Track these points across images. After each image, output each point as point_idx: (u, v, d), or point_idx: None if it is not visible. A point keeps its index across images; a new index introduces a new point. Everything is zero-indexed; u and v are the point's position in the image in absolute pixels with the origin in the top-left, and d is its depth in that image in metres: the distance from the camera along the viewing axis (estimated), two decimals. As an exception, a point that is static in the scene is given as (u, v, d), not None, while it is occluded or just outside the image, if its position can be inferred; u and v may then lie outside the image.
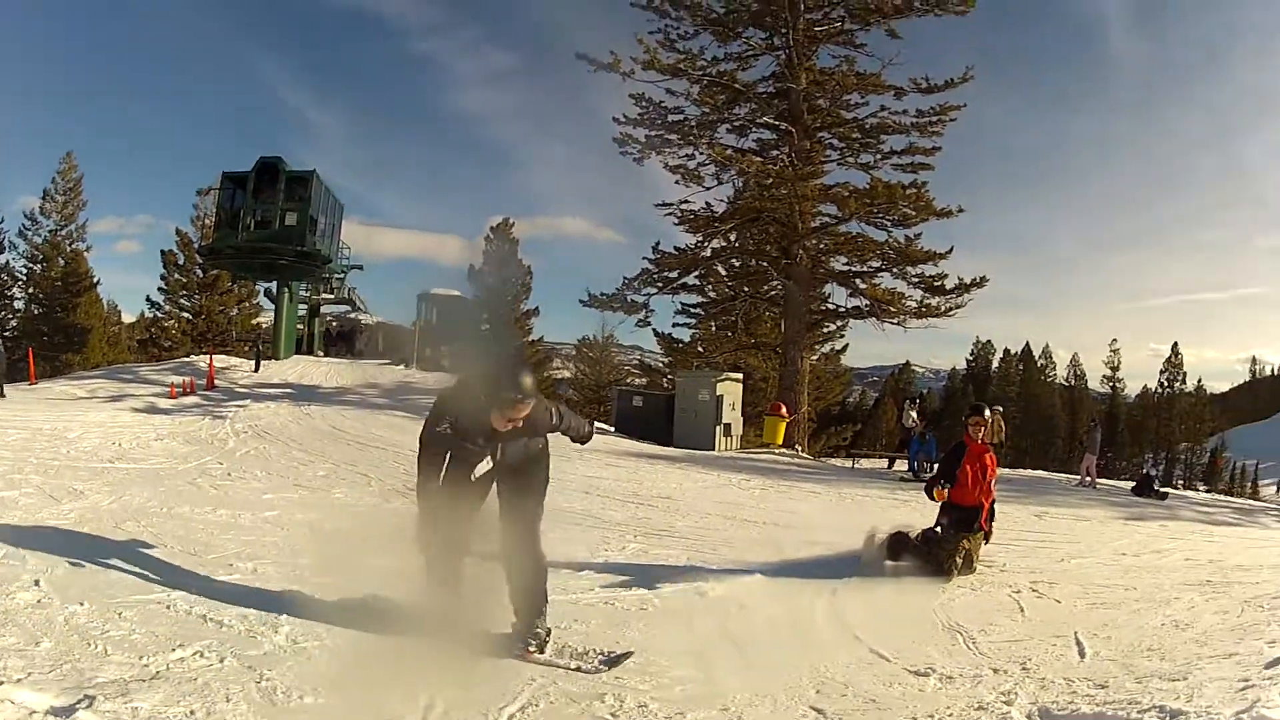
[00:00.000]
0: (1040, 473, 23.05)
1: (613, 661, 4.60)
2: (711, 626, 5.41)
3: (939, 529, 7.53)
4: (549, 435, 4.78)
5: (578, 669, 4.48)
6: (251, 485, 9.46)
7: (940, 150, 26.19)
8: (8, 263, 39.78)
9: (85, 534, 6.04)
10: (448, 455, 4.62)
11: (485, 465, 4.60)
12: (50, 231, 40.33)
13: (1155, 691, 4.35)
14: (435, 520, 4.59)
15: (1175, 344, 60.70)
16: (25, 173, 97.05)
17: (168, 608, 4.66)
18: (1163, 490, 18.45)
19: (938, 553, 7.30)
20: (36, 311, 39.72)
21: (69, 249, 40.56)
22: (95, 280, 41.23)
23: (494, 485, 4.71)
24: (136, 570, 5.31)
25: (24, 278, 40.08)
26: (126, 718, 3.27)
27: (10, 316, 39.86)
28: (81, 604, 4.49)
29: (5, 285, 39.74)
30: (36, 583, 4.76)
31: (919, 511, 9.29)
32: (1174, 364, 58.73)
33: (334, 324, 36.33)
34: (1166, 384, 58.38)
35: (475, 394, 4.40)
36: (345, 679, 3.92)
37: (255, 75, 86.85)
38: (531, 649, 4.57)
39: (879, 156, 26.58)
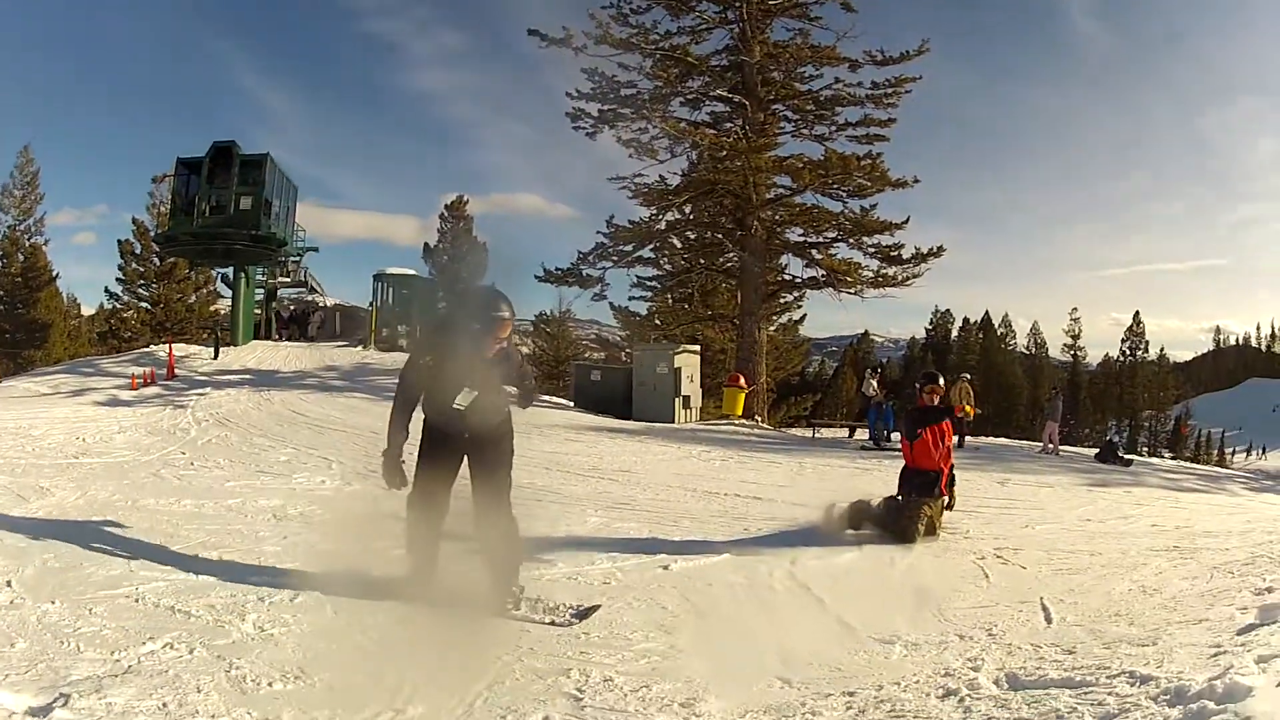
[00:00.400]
0: (1003, 440, 23.25)
1: (583, 614, 4.88)
2: (675, 599, 5.45)
3: (900, 496, 7.66)
4: (511, 415, 5.04)
5: (552, 623, 4.74)
6: (214, 474, 9.44)
7: (895, 122, 26.39)
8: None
9: (53, 532, 5.98)
10: (420, 402, 4.87)
11: (464, 398, 4.71)
12: (10, 227, 39.74)
13: (1124, 657, 4.28)
14: (402, 444, 4.83)
15: (1137, 313, 61.35)
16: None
17: (136, 601, 4.69)
18: (1126, 457, 18.48)
19: (900, 519, 7.36)
20: (-2, 309, 39.02)
21: (28, 244, 39.86)
22: (55, 274, 40.71)
23: (464, 462, 4.92)
24: (105, 565, 5.32)
25: (-16, 276, 39.19)
26: (101, 714, 3.31)
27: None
28: (53, 602, 4.52)
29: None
30: (9, 583, 4.79)
31: (880, 480, 9.42)
32: (1136, 332, 59.37)
33: (290, 306, 36.07)
34: (1129, 352, 58.97)
35: (459, 323, 4.75)
36: (314, 664, 3.97)
37: (210, 59, 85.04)
38: (509, 606, 4.84)
39: (834, 128, 26.73)
